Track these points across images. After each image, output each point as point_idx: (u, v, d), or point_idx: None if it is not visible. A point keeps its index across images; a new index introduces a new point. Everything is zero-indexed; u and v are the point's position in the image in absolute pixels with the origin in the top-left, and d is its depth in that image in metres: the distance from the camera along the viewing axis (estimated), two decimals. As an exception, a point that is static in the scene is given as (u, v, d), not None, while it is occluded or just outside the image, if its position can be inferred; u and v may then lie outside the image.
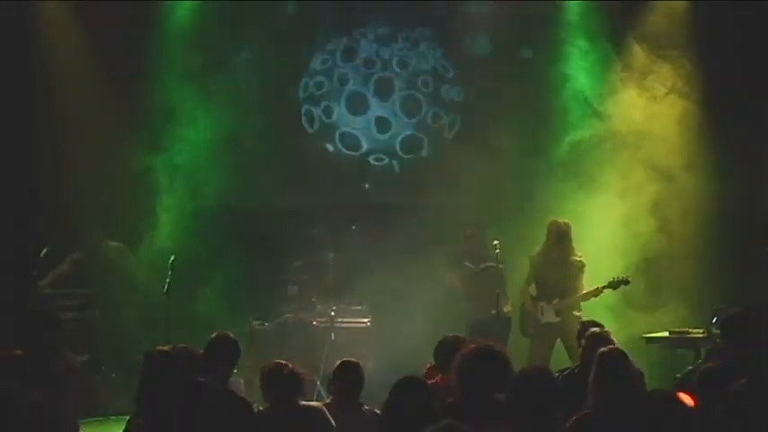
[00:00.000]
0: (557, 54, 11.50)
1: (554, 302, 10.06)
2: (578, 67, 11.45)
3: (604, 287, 9.98)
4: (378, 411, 6.31)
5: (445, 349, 6.75)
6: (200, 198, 11.75)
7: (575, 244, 10.12)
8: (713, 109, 10.93)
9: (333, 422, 6.38)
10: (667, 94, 11.05)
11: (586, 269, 10.13)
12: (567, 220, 10.19)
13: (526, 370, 5.12)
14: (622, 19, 11.27)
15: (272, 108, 12.03)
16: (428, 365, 7.25)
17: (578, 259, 10.12)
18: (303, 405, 6.42)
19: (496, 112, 11.37)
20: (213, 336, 6.39)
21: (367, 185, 12.12)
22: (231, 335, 6.43)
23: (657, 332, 10.18)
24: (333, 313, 10.57)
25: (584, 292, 10.04)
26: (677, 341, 9.96)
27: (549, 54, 11.54)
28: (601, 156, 11.20)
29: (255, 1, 11.91)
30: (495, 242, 10.09)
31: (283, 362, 6.54)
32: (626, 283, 9.96)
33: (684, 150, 11.00)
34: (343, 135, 12.24)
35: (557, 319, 10.06)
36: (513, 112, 11.22)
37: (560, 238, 10.05)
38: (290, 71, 12.19)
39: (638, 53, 11.09)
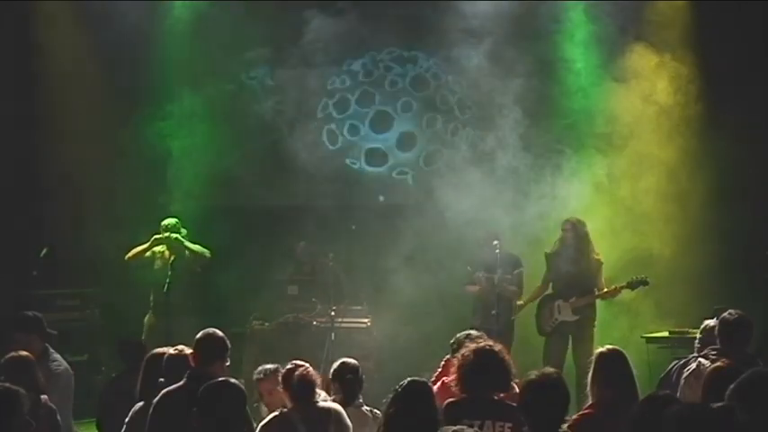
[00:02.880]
0: (554, 45, 11.49)
1: (571, 301, 9.99)
2: (576, 56, 11.43)
3: (623, 287, 9.90)
4: (378, 411, 6.32)
5: (461, 345, 6.76)
6: (200, 198, 11.76)
7: (592, 241, 10.08)
8: (712, 103, 10.90)
9: (349, 423, 6.35)
10: (666, 87, 11.01)
11: (604, 267, 10.09)
12: (579, 218, 10.15)
13: (540, 378, 5.07)
14: (620, 12, 11.24)
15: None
16: (444, 360, 7.24)
17: (596, 257, 10.06)
18: (321, 406, 6.36)
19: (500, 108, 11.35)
20: (200, 335, 6.34)
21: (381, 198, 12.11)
22: (218, 332, 6.38)
23: (657, 332, 10.18)
24: (333, 313, 10.55)
25: (603, 291, 9.99)
26: (677, 341, 9.95)
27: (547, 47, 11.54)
28: (598, 150, 11.16)
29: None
30: (495, 242, 10.07)
31: (300, 363, 6.51)
32: (645, 283, 9.85)
33: (684, 146, 10.98)
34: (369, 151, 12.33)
35: (574, 318, 9.96)
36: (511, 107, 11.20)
37: (577, 235, 10.00)
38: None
39: (637, 47, 11.07)
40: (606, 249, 10.56)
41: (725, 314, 6.75)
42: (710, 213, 10.72)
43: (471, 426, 5.56)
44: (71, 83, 11.68)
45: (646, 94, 11.02)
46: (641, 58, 11.00)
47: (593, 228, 10.55)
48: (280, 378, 6.47)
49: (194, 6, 11.90)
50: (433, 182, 11.61)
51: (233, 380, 5.35)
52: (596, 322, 10.08)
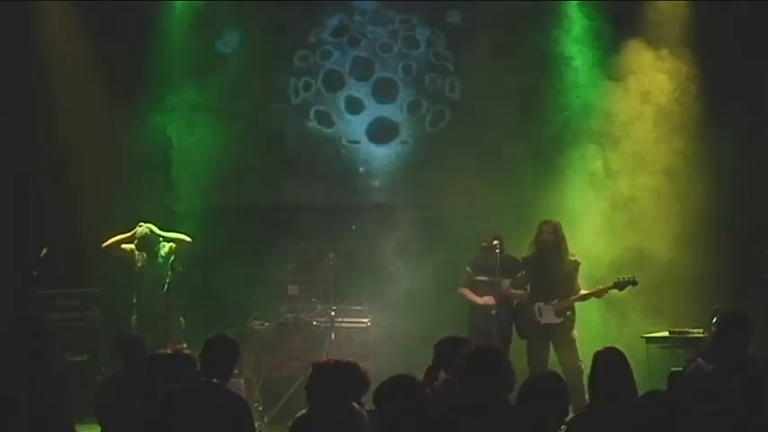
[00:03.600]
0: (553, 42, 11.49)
1: (553, 303, 9.95)
2: (574, 53, 11.42)
3: (609, 288, 9.86)
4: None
5: (447, 348, 6.73)
6: (199, 197, 11.76)
7: (568, 242, 10.04)
8: (712, 102, 10.89)
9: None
10: (665, 85, 11.00)
11: (582, 268, 10.06)
12: (558, 220, 10.12)
13: (539, 378, 5.10)
14: (619, 10, 11.24)
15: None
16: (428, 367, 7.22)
17: (573, 258, 10.02)
18: (354, 406, 6.27)
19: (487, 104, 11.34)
20: (211, 336, 6.32)
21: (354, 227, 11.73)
22: (229, 335, 6.35)
23: (657, 332, 10.17)
24: (333, 313, 10.56)
25: (586, 292, 9.94)
26: (677, 341, 9.95)
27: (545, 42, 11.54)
28: (596, 147, 11.16)
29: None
30: (496, 242, 10.04)
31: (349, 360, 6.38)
32: (633, 283, 9.81)
33: (684, 144, 10.96)
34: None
35: (557, 320, 9.91)
36: (504, 104, 11.20)
37: (554, 238, 9.95)
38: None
39: (636, 45, 11.06)
40: (604, 247, 10.56)
41: (721, 315, 6.74)
42: (710, 212, 10.71)
43: (471, 426, 5.57)
44: (70, 82, 11.67)
45: (644, 91, 11.03)
46: (640, 56, 11.01)
47: (593, 225, 10.55)
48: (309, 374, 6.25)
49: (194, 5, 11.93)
50: (430, 180, 11.63)
51: (215, 380, 5.33)
52: (576, 324, 10.04)
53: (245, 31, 12.02)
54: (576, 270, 10.01)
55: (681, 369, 7.33)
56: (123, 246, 10.43)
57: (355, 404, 6.19)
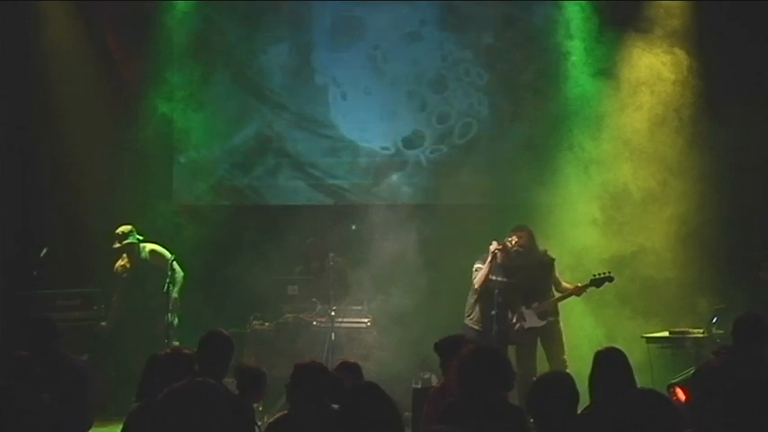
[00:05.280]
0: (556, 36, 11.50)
1: (534, 306, 9.86)
2: (573, 49, 11.42)
3: (587, 285, 9.76)
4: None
5: (450, 348, 6.74)
6: (200, 197, 11.76)
7: (538, 241, 9.93)
8: (712, 98, 10.89)
9: None
10: (665, 82, 11.00)
11: (557, 263, 9.98)
12: (525, 224, 9.97)
13: (548, 378, 5.11)
14: (619, 7, 11.25)
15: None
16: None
17: (546, 255, 9.94)
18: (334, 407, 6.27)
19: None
20: (206, 333, 6.31)
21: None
22: (224, 332, 6.35)
23: (657, 332, 10.16)
24: (333, 313, 10.56)
25: (566, 292, 9.86)
26: (677, 341, 9.95)
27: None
28: (594, 143, 11.16)
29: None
30: (495, 242, 10.04)
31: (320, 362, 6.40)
32: (610, 279, 9.73)
33: (684, 141, 10.96)
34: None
35: (541, 323, 9.83)
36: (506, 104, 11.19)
37: (531, 240, 9.85)
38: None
39: (636, 41, 11.07)
40: (600, 244, 10.56)
41: (742, 314, 6.70)
42: (709, 210, 10.70)
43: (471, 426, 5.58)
44: (70, 80, 11.67)
45: (643, 88, 11.03)
46: (639, 52, 11.01)
47: (591, 223, 10.56)
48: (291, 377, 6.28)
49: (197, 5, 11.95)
50: (428, 177, 11.63)
51: (210, 380, 5.32)
52: (560, 317, 9.98)
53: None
54: (552, 266, 9.92)
55: (679, 380, 7.37)
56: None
57: (335, 406, 6.20)
